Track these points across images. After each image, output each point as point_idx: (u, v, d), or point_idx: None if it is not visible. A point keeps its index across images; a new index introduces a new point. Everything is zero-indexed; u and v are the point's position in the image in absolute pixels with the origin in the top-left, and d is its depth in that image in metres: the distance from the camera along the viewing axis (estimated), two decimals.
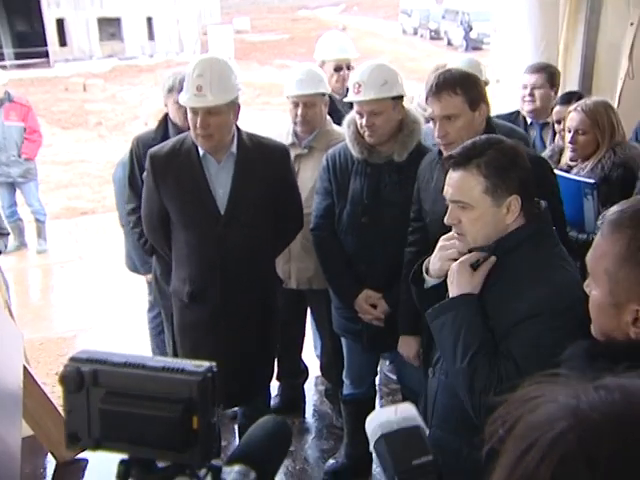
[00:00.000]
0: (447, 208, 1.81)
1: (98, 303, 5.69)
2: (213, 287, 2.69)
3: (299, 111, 3.08)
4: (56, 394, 3.90)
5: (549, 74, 3.60)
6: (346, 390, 3.14)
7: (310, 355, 3.84)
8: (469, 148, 1.76)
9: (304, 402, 3.66)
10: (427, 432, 1.10)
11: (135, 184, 3.25)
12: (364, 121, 2.65)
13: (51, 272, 6.84)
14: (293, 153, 3.10)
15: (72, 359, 0.84)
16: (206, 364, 0.82)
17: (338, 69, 3.78)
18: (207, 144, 2.60)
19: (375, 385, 3.23)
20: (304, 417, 3.72)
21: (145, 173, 2.79)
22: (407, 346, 2.69)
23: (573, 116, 3.04)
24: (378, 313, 2.81)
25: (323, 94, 3.15)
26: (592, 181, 2.87)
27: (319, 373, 3.75)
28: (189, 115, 2.58)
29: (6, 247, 3.89)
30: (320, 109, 3.14)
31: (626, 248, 1.20)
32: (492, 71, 4.29)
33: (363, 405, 2.98)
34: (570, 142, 3.05)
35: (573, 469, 0.50)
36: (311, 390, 3.86)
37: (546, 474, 0.51)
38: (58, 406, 3.39)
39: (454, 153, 1.79)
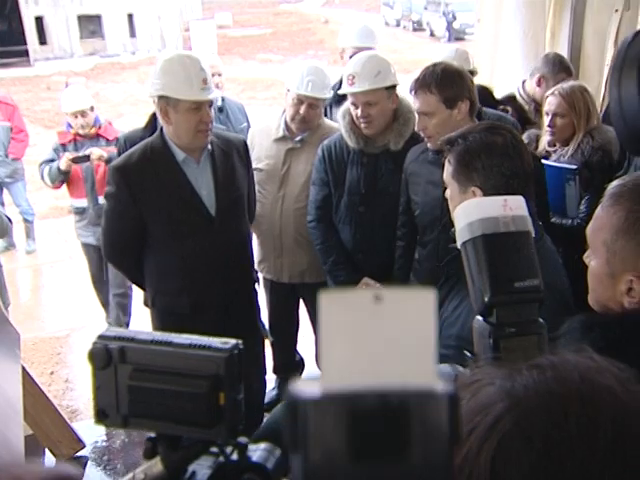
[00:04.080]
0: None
1: (90, 302, 5.66)
2: (215, 291, 2.62)
3: (302, 109, 3.00)
4: (52, 393, 3.89)
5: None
6: None
7: (305, 347, 3.85)
8: (450, 137, 1.83)
9: None
10: (533, 234, 0.83)
11: None
12: (359, 112, 2.66)
13: (41, 272, 6.79)
14: (284, 147, 3.10)
15: (100, 337, 0.84)
16: (232, 341, 0.82)
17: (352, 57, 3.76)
18: (206, 139, 2.52)
19: None
20: None
21: (110, 190, 2.57)
22: None
23: (551, 100, 3.08)
24: None
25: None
26: (574, 167, 2.91)
27: (314, 364, 3.77)
28: (190, 111, 2.45)
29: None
30: (321, 110, 3.14)
31: (624, 220, 1.23)
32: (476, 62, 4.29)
33: None
34: (549, 125, 3.09)
35: (511, 449, 0.51)
36: None
37: (487, 457, 0.52)
38: (56, 405, 3.38)
39: (441, 140, 1.88)
